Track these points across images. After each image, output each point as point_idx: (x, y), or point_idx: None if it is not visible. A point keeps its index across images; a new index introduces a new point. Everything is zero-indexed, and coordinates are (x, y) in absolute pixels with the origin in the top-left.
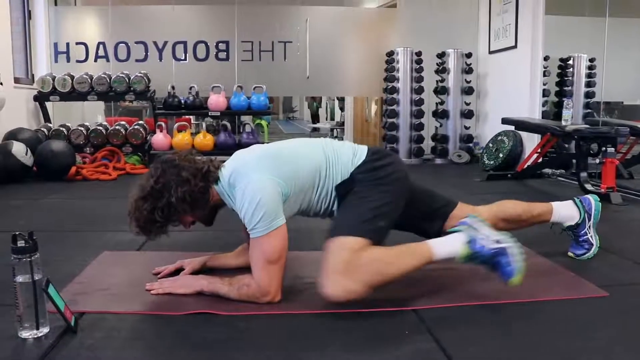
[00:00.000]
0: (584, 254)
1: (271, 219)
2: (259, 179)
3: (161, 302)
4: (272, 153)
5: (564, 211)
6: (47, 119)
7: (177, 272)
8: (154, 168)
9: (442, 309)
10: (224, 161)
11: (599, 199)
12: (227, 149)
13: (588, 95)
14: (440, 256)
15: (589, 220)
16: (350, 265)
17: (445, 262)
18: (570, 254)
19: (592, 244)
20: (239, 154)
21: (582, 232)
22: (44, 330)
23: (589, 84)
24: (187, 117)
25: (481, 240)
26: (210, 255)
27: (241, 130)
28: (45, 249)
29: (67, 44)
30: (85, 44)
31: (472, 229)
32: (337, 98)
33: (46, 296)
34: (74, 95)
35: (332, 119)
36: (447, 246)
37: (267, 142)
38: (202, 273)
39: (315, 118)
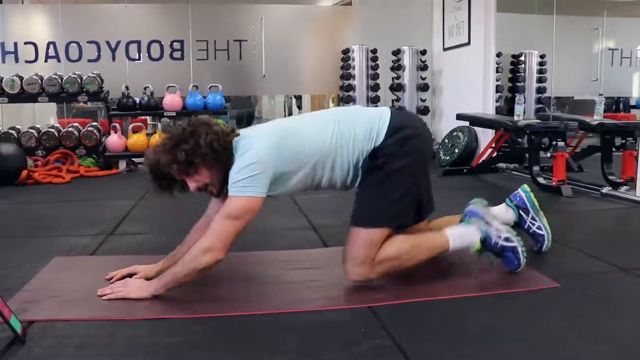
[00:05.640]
0: (540, 246)
1: (252, 185)
2: (258, 153)
3: (113, 307)
4: (281, 131)
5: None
6: None
7: (130, 276)
8: (184, 120)
9: (397, 305)
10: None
11: (527, 189)
12: None
13: (539, 90)
14: (454, 248)
15: (527, 214)
16: (369, 260)
17: None
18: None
19: (543, 235)
20: (255, 126)
21: (526, 226)
22: None
23: (540, 80)
24: (142, 117)
25: (494, 237)
26: (164, 260)
27: None
28: None
29: (15, 44)
30: (34, 44)
31: (485, 223)
32: (294, 96)
33: None
34: (23, 96)
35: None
36: (464, 240)
37: None
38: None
39: None
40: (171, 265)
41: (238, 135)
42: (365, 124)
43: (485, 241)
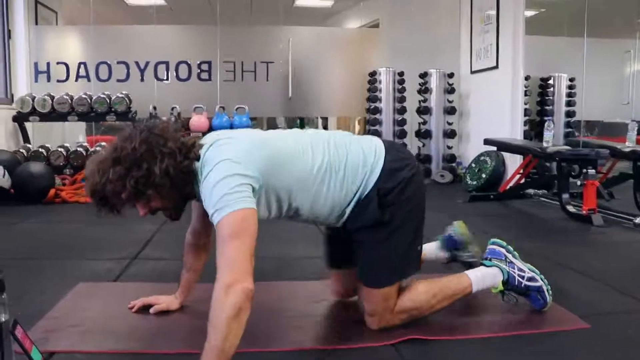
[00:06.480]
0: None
1: (230, 200)
2: (229, 166)
3: (134, 339)
4: (259, 142)
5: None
6: (26, 139)
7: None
8: (136, 131)
9: (422, 344)
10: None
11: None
12: None
13: (569, 114)
14: (477, 291)
15: (513, 266)
16: (389, 311)
17: None
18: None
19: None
20: (224, 132)
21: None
22: None
23: (569, 103)
24: None
25: (517, 277)
26: (179, 291)
27: None
28: (19, 279)
29: (48, 64)
30: (66, 64)
31: (507, 263)
32: (320, 117)
33: (13, 338)
34: (54, 115)
35: None
36: (486, 283)
37: None
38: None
39: None
40: (189, 290)
41: (201, 147)
42: (358, 156)
43: (508, 282)
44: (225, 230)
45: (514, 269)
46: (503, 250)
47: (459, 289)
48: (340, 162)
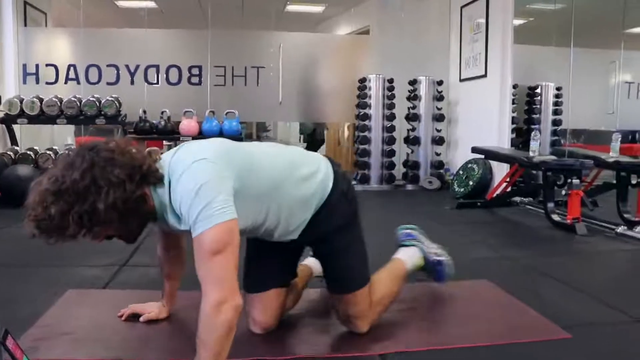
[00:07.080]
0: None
1: (215, 209)
2: (204, 164)
3: (126, 347)
4: (232, 146)
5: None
6: (14, 141)
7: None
8: (79, 156)
9: (406, 354)
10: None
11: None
12: None
13: (555, 122)
14: (409, 268)
15: (423, 244)
16: (369, 308)
17: (408, 302)
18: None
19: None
20: (186, 144)
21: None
22: None
23: (556, 112)
24: (158, 141)
25: (428, 253)
26: (164, 299)
27: None
28: (8, 286)
29: (37, 66)
30: (55, 66)
31: (421, 243)
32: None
33: (3, 348)
34: (42, 118)
35: (305, 141)
36: (412, 260)
37: None
38: (166, 321)
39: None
40: (174, 298)
41: (160, 160)
42: (313, 157)
43: (426, 258)
44: (208, 245)
45: (424, 246)
46: (415, 232)
47: (402, 270)
48: (300, 162)
